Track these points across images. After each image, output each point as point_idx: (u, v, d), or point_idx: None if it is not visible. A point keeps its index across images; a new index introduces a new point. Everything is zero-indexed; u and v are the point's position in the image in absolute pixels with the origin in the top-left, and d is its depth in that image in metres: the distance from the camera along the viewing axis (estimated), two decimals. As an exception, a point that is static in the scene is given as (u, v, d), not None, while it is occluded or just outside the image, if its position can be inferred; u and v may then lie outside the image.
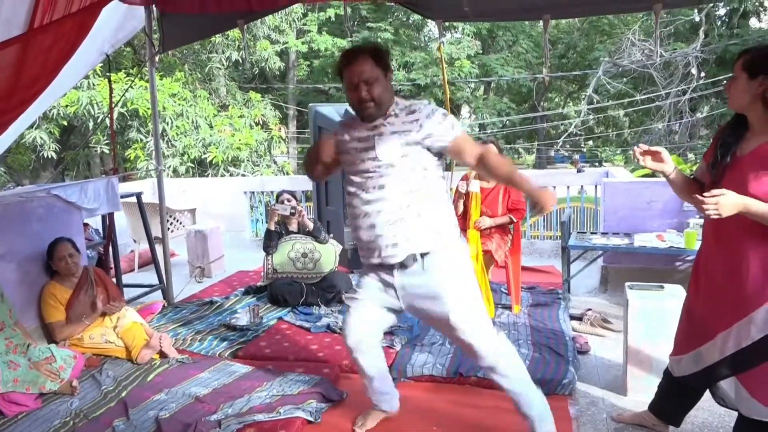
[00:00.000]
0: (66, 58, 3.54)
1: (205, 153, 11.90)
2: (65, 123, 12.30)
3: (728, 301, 2.16)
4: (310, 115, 5.95)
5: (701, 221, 3.66)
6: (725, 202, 1.97)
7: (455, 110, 22.19)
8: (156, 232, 5.25)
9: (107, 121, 10.41)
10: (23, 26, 3.20)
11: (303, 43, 17.43)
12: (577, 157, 24.39)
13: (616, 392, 3.06)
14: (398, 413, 2.81)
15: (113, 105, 5.13)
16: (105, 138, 12.20)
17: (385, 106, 2.30)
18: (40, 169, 14.79)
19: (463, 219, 4.13)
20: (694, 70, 15.24)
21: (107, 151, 12.59)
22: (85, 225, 4.79)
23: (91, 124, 11.56)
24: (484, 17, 5.12)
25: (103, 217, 4.82)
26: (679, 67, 15.36)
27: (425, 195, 2.32)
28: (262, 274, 4.79)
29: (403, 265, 2.33)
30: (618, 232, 4.77)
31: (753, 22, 16.90)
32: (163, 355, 3.56)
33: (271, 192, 7.70)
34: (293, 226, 4.74)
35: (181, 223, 6.62)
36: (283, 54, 17.23)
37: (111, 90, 4.87)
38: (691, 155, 16.44)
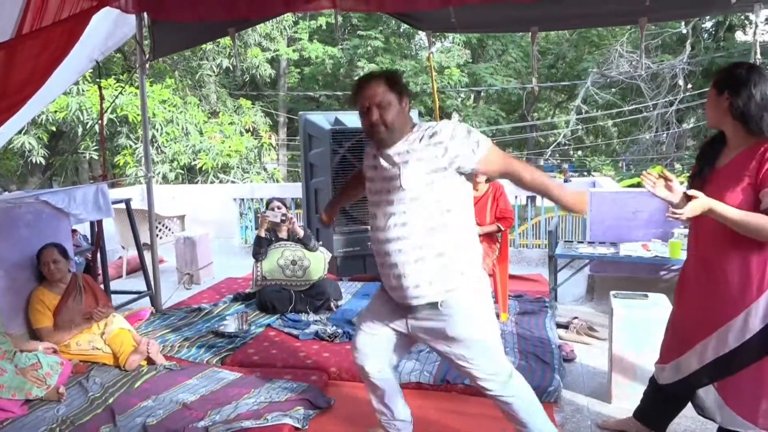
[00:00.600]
0: (55, 64, 3.54)
1: (194, 160, 11.87)
2: (54, 128, 12.23)
3: (707, 310, 2.22)
4: (300, 123, 5.97)
5: (686, 231, 3.72)
6: (695, 203, 2.07)
7: (445, 118, 22.27)
8: (145, 238, 5.25)
9: (96, 127, 10.37)
10: (12, 32, 3.20)
11: (294, 50, 17.47)
12: (566, 166, 24.58)
13: (601, 399, 3.10)
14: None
15: (103, 111, 5.12)
16: (94, 144, 12.14)
17: (399, 132, 2.20)
18: (28, 174, 14.69)
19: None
20: (681, 82, 15.41)
21: (96, 157, 12.53)
22: (74, 231, 4.78)
23: (80, 130, 11.51)
24: (471, 29, 5.18)
25: (92, 223, 4.81)
26: (666, 79, 15.54)
27: (449, 232, 2.18)
28: (251, 281, 4.80)
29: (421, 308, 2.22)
30: (604, 241, 4.82)
31: (739, 35, 17.14)
32: (150, 361, 3.56)
33: (261, 199, 7.71)
34: (283, 234, 4.75)
35: (170, 229, 6.61)
36: (273, 61, 17.26)
37: (102, 97, 4.87)
38: (678, 165, 16.62)
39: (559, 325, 4.13)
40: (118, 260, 6.38)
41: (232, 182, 11.77)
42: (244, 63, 14.35)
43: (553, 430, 2.38)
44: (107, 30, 4.30)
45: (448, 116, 22.50)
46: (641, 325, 2.93)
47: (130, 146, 11.81)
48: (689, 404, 2.47)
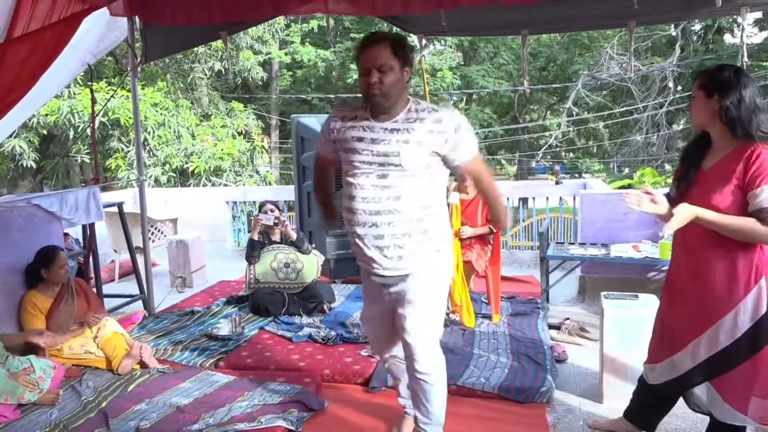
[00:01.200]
0: (43, 69, 3.50)
1: (187, 163, 11.85)
2: (45, 132, 12.18)
3: (697, 310, 2.24)
4: (292, 126, 5.99)
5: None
6: (682, 215, 2.10)
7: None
8: (137, 241, 5.24)
9: (88, 130, 10.34)
10: (1, 36, 3.19)
11: (286, 53, 17.47)
12: (557, 168, 24.69)
13: (593, 400, 3.12)
14: (375, 422, 2.85)
15: (95, 114, 5.12)
16: (86, 147, 12.10)
17: (394, 100, 2.20)
18: (19, 178, 14.61)
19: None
20: (670, 84, 15.55)
21: (87, 161, 12.49)
22: (66, 235, 4.77)
23: (71, 134, 11.47)
24: (462, 32, 5.21)
25: (84, 226, 4.80)
26: (656, 81, 15.67)
27: (435, 210, 2.28)
28: (244, 284, 4.80)
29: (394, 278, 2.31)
30: (595, 242, 4.86)
31: (727, 38, 17.30)
32: (143, 365, 3.56)
33: (254, 202, 7.71)
34: (276, 236, 4.76)
35: (162, 232, 6.60)
36: (266, 64, 17.25)
37: (93, 100, 4.87)
38: (668, 167, 16.74)
39: (551, 326, 4.16)
40: (110, 264, 6.36)
41: (225, 185, 11.76)
42: (236, 66, 14.34)
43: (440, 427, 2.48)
44: (99, 33, 4.30)
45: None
46: (632, 325, 2.96)
47: (122, 149, 11.78)
48: (678, 403, 2.51)
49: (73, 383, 3.33)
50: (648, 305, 3.01)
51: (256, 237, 4.70)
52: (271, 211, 4.74)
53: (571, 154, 24.43)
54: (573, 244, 4.97)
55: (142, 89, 11.82)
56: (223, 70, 13.86)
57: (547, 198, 6.91)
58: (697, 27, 16.86)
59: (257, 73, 15.08)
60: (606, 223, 4.93)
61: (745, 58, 4.07)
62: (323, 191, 2.72)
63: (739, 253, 2.11)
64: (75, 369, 3.52)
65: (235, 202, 7.93)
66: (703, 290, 2.20)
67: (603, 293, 3.22)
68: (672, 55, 15.49)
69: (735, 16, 12.07)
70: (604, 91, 17.47)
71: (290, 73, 19.81)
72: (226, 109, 14.98)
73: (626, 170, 19.40)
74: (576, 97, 16.95)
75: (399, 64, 2.17)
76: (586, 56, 18.67)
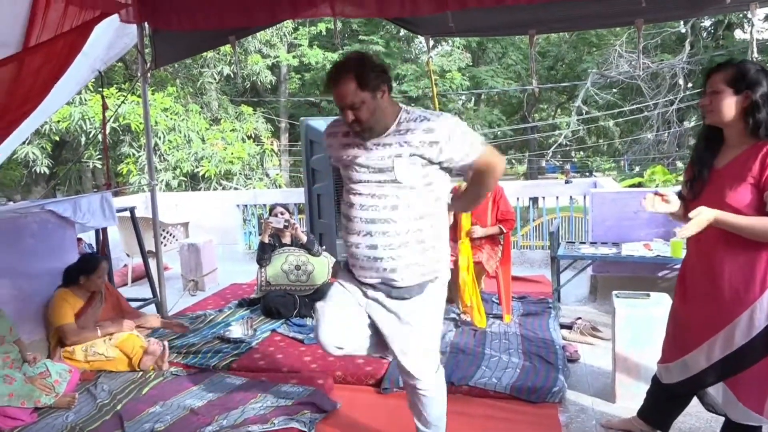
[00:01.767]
0: (56, 78, 3.56)
1: (197, 167, 11.94)
2: (57, 138, 12.31)
3: (712, 309, 2.22)
4: (301, 129, 6.01)
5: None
6: (701, 219, 2.08)
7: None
8: (149, 246, 5.28)
9: (99, 136, 10.43)
10: (17, 46, 3.24)
11: (294, 56, 17.54)
12: (568, 167, 24.59)
13: (605, 399, 3.11)
14: (387, 423, 2.85)
15: (106, 120, 5.17)
16: (97, 153, 12.21)
17: (381, 123, 2.14)
18: (32, 184, 14.78)
19: (454, 230, 4.20)
20: (681, 81, 15.44)
21: (99, 166, 12.61)
22: (79, 240, 4.82)
23: (83, 140, 11.58)
24: (469, 33, 5.21)
25: (97, 231, 4.85)
26: (666, 78, 15.57)
27: (434, 220, 2.22)
28: (256, 286, 4.82)
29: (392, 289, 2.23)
30: (606, 241, 4.84)
31: (738, 34, 17.16)
32: (158, 367, 3.59)
33: (264, 205, 7.75)
34: (286, 239, 4.78)
35: (174, 236, 6.64)
36: (274, 68, 17.32)
37: (104, 106, 4.92)
38: (680, 164, 16.62)
39: (562, 326, 4.15)
40: (123, 268, 6.41)
41: (235, 189, 11.82)
42: (244, 70, 14.42)
43: None
44: (109, 40, 4.35)
45: (449, 119, 22.49)
46: (644, 324, 2.95)
47: (133, 154, 11.88)
48: (693, 402, 2.49)
49: (89, 386, 3.37)
50: (660, 304, 3.00)
51: (266, 240, 4.72)
52: (282, 214, 4.76)
53: (581, 153, 24.32)
54: (584, 243, 4.95)
55: (152, 94, 11.91)
56: (231, 74, 13.94)
57: (557, 197, 6.89)
58: (707, 23, 16.74)
59: (266, 76, 15.16)
60: (617, 221, 4.90)
61: (756, 54, 4.04)
62: None
63: (755, 251, 2.09)
64: (90, 372, 3.56)
65: (246, 206, 7.97)
66: (718, 289, 2.18)
67: (614, 292, 3.20)
68: (682, 52, 15.38)
69: (744, 12, 11.99)
70: (613, 89, 17.40)
71: (299, 76, 19.88)
72: (236, 113, 15.06)
73: (637, 168, 19.27)
74: (585, 95, 16.87)
75: (369, 94, 2.08)
76: (594, 54, 18.60)
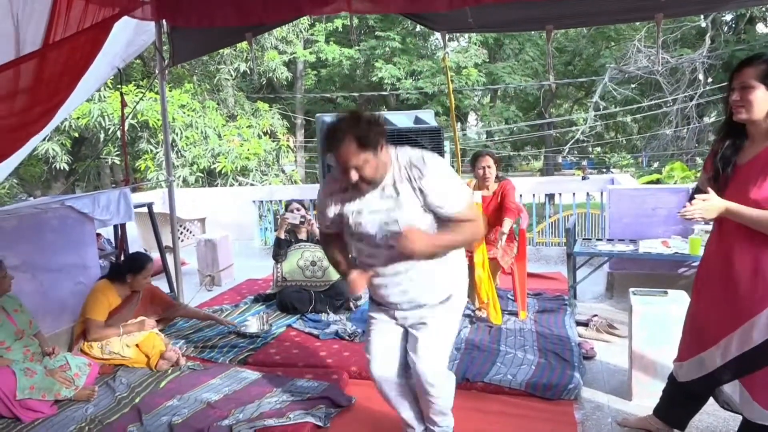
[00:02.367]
0: (83, 70, 3.63)
1: (214, 163, 12.02)
2: (76, 135, 12.48)
3: (730, 307, 2.19)
4: (317, 125, 6.01)
5: (707, 227, 3.68)
6: (709, 206, 2.05)
7: (462, 118, 22.26)
8: (167, 241, 5.33)
9: (118, 132, 10.53)
10: (40, 42, 3.29)
11: (311, 53, 17.59)
12: (585, 163, 24.39)
13: (622, 397, 3.09)
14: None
15: (124, 117, 5.22)
16: (116, 149, 12.35)
17: (381, 176, 2.17)
18: (52, 180, 14.98)
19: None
20: (701, 76, 15.24)
21: (118, 162, 12.75)
22: (98, 235, 4.88)
23: (102, 136, 11.72)
24: (487, 29, 5.18)
25: (115, 227, 4.91)
26: (685, 73, 15.37)
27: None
28: (272, 282, 4.85)
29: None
30: (623, 238, 4.80)
31: (760, 28, 16.89)
32: (175, 363, 3.63)
33: (280, 201, 7.79)
34: (302, 235, 4.80)
35: (191, 232, 6.71)
36: (290, 64, 17.39)
37: (123, 103, 4.97)
38: (699, 160, 16.42)
39: (578, 323, 4.13)
40: (141, 263, 6.47)
41: (251, 185, 11.89)
42: (261, 66, 14.49)
43: None
44: (127, 38, 4.39)
45: (465, 116, 22.46)
46: (660, 321, 2.93)
47: (151, 151, 12.00)
48: (710, 401, 2.47)
49: (107, 380, 3.42)
50: (677, 301, 2.97)
51: (282, 236, 4.75)
52: (297, 210, 4.79)
53: (599, 149, 24.12)
54: (600, 240, 4.92)
55: (170, 91, 12.02)
56: (248, 70, 14.02)
57: (574, 194, 6.84)
58: (728, 17, 16.49)
59: (282, 73, 15.22)
60: (634, 218, 4.86)
61: (778, 49, 3.98)
62: (344, 259, 2.48)
63: None
64: (109, 366, 3.61)
65: (262, 202, 8.01)
66: (737, 286, 2.15)
67: (631, 289, 3.18)
68: (702, 47, 15.18)
69: (767, 6, 11.79)
70: (632, 85, 17.20)
71: (314, 72, 19.93)
72: (252, 109, 15.14)
73: (655, 165, 19.07)
74: (603, 91, 16.71)
75: (371, 152, 2.08)
76: (613, 49, 18.42)
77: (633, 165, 22.12)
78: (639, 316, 2.99)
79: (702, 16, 15.15)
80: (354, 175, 2.10)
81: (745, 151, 2.17)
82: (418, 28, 18.11)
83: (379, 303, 2.43)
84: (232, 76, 14.50)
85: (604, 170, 23.03)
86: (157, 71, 4.96)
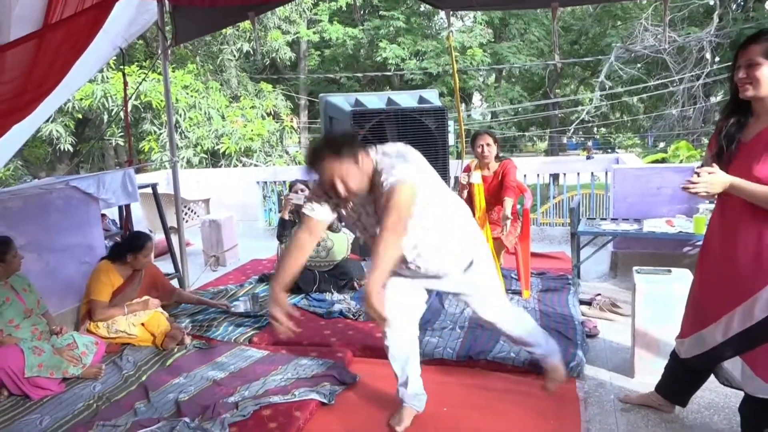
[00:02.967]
0: (77, 55, 3.58)
1: (217, 144, 12.01)
2: (80, 116, 12.46)
3: (732, 283, 2.19)
4: (321, 105, 5.99)
5: (711, 206, 3.67)
6: (714, 180, 2.05)
7: (466, 99, 22.12)
8: (171, 222, 5.36)
9: (121, 113, 10.52)
10: (38, 23, 3.26)
11: (314, 32, 17.44)
12: (590, 143, 24.27)
13: (624, 374, 3.11)
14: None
15: (127, 98, 5.21)
16: (119, 130, 12.34)
17: (366, 182, 2.26)
18: (56, 161, 15.00)
19: (470, 208, 4.19)
20: (708, 55, 15.06)
21: (121, 143, 12.75)
22: (103, 216, 4.90)
23: (105, 117, 11.71)
24: (491, 6, 5.12)
25: (120, 207, 4.92)
26: (692, 52, 15.19)
27: (448, 219, 2.40)
28: (276, 262, 4.87)
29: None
30: (628, 217, 4.79)
31: (769, 5, 16.64)
32: (180, 342, 3.67)
33: (284, 182, 7.80)
34: (306, 215, 4.80)
35: (195, 213, 6.73)
36: (294, 44, 17.26)
37: (125, 83, 4.96)
38: (705, 140, 16.30)
39: (582, 302, 4.14)
40: (146, 244, 6.50)
41: (255, 166, 11.89)
42: (264, 47, 14.40)
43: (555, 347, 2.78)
44: (129, 17, 4.36)
45: (470, 96, 22.32)
46: (663, 300, 2.93)
47: (155, 132, 11.99)
48: (711, 377, 2.48)
49: (114, 358, 3.46)
50: (680, 280, 2.97)
51: (287, 216, 4.75)
52: (302, 190, 4.78)
53: (604, 129, 23.97)
54: (605, 219, 4.91)
55: (173, 72, 11.97)
56: (251, 51, 13.94)
57: (578, 174, 6.82)
58: (736, -6, 16.27)
59: (285, 53, 15.12)
60: (639, 198, 4.85)
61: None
62: (289, 263, 2.47)
63: None
64: (115, 345, 3.65)
65: (266, 182, 8.01)
66: (740, 263, 2.15)
67: (635, 268, 3.18)
68: (710, 25, 14.97)
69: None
70: (638, 64, 17.02)
71: (318, 52, 19.79)
72: (255, 90, 15.08)
73: (661, 145, 18.96)
74: (609, 70, 16.54)
75: (352, 161, 2.18)
76: (619, 28, 18.21)
77: (639, 145, 22.00)
78: (642, 295, 2.99)
79: (710, -6, 14.95)
80: (341, 187, 2.19)
81: (749, 128, 2.16)
82: (423, 7, 17.93)
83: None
84: (235, 56, 14.42)
85: (609, 150, 22.92)
86: (159, 51, 4.94)
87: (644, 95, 18.43)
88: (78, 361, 3.23)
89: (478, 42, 17.56)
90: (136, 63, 12.74)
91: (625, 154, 15.34)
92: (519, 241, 4.31)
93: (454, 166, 5.43)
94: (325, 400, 2.85)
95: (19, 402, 2.99)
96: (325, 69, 20.22)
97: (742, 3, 16.51)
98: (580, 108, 20.29)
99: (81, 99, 11.32)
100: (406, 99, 5.34)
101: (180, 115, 11.73)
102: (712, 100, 16.63)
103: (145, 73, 10.34)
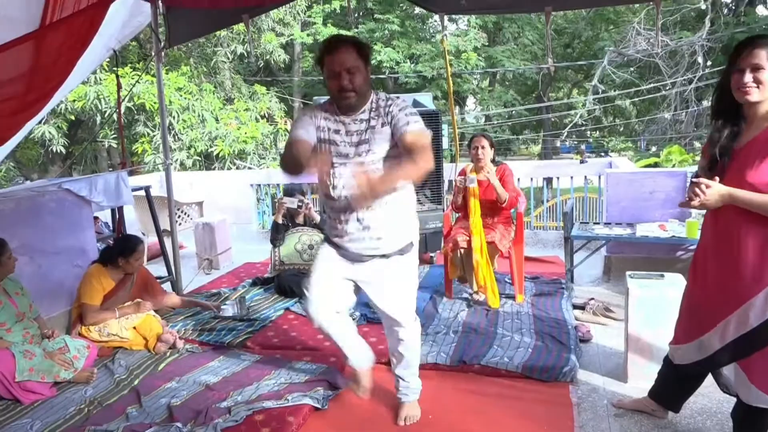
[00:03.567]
0: (79, 53, 3.59)
1: (211, 146, 11.96)
2: (73, 118, 12.38)
3: (727, 290, 2.19)
4: (315, 108, 5.99)
5: (704, 210, 3.68)
6: (711, 193, 2.04)
7: (460, 102, 22.16)
8: (164, 224, 5.33)
9: (114, 115, 10.47)
10: (36, 24, 3.25)
11: (308, 35, 17.41)
12: (583, 147, 24.35)
13: (617, 379, 3.11)
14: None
15: (121, 100, 5.19)
16: (112, 132, 12.28)
17: (364, 98, 2.36)
18: (49, 163, 14.90)
19: (464, 209, 4.21)
20: (700, 59, 15.15)
21: (114, 145, 12.69)
22: (95, 218, 4.87)
23: (98, 119, 11.64)
24: (484, 10, 5.12)
25: (113, 210, 4.90)
26: (684, 56, 15.29)
27: (405, 190, 2.45)
28: (269, 265, 4.86)
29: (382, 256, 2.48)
30: (621, 222, 4.81)
31: (760, 10, 16.77)
32: (172, 345, 3.65)
33: (278, 185, 7.78)
34: (300, 219, 4.80)
35: (188, 215, 6.70)
36: (287, 46, 17.22)
37: (119, 85, 4.93)
38: (697, 144, 16.39)
39: (575, 306, 4.15)
40: (138, 247, 6.47)
41: (249, 168, 11.85)
42: (258, 49, 14.36)
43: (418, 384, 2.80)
44: (123, 19, 4.34)
45: (464, 100, 22.35)
46: (657, 304, 2.94)
47: (148, 134, 11.93)
48: (705, 382, 2.49)
49: (106, 362, 3.44)
50: (674, 284, 2.98)
51: (280, 220, 4.75)
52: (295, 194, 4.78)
53: (597, 133, 24.06)
54: (598, 223, 4.92)
55: (166, 74, 11.92)
56: (245, 53, 13.90)
57: (572, 177, 6.83)
58: (728, -1, 16.39)
59: (279, 55, 15.08)
60: (632, 202, 4.87)
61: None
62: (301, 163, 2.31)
63: None
64: (107, 349, 3.62)
65: (259, 185, 7.99)
66: (733, 269, 2.14)
67: (628, 273, 3.19)
68: (701, 29, 15.08)
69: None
70: (630, 68, 17.11)
71: (312, 54, 19.74)
72: (249, 92, 15.03)
73: (654, 148, 19.05)
74: (602, 74, 16.62)
75: (363, 64, 2.30)
76: (612, 32, 18.29)
77: (631, 149, 22.08)
78: (635, 300, 3.00)
79: (702, -1, 15.06)
80: (345, 78, 2.26)
81: (742, 135, 2.15)
82: (417, 10, 17.96)
83: (337, 246, 2.53)
84: (229, 58, 14.37)
85: (603, 154, 23.00)
86: (153, 53, 4.92)
87: (637, 99, 18.52)
88: (69, 365, 3.20)
89: (473, 46, 17.58)
90: (129, 65, 12.68)
91: (618, 157, 15.39)
92: (513, 245, 4.32)
93: (448, 170, 5.43)
94: (318, 405, 2.85)
95: (9, 406, 2.96)
96: (319, 71, 20.14)
97: (733, 7, 16.64)
98: (573, 111, 20.35)
99: (74, 101, 11.24)
100: (401, 102, 5.33)
101: (173, 117, 11.67)
102: (704, 104, 16.71)
103: (138, 75, 10.29)
